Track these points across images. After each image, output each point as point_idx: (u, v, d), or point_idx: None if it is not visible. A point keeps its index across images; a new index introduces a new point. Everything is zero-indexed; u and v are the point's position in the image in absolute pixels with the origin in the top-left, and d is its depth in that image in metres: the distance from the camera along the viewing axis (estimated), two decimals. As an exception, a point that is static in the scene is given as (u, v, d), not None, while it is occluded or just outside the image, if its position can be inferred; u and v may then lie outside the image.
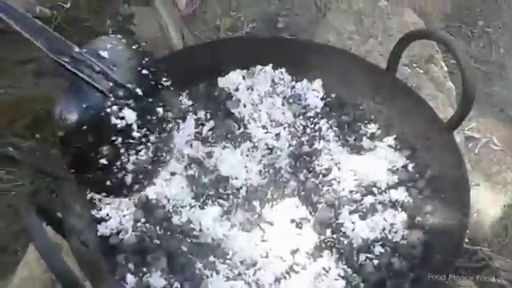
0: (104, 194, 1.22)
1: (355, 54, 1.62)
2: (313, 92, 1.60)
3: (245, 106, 1.56)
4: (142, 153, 1.17)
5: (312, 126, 1.55)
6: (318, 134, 1.53)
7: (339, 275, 1.27)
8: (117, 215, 1.33)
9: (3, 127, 2.15)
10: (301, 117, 1.57)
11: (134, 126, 1.15)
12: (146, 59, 1.24)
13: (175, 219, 1.34)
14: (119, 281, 1.22)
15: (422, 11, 2.66)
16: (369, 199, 1.39)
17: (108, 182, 1.16)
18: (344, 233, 1.34)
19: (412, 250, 1.31)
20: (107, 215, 1.33)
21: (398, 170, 1.45)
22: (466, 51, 2.54)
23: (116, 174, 1.16)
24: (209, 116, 1.56)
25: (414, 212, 1.37)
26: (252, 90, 1.59)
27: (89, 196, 1.34)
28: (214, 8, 2.77)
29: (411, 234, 1.33)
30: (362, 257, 1.30)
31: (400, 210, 1.37)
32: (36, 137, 2.13)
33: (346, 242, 1.32)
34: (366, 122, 1.56)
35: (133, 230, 1.31)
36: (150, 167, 1.21)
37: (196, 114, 1.55)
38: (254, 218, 1.36)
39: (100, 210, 1.33)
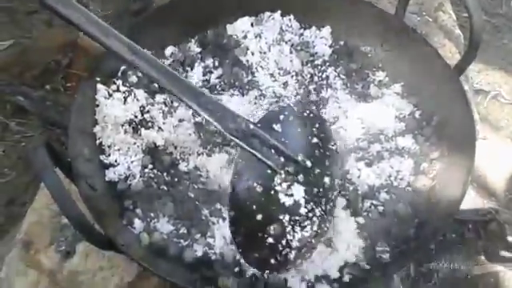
0: (267, 270, 1.17)
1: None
2: (321, 39, 1.58)
3: (253, 54, 1.54)
4: (307, 228, 1.16)
5: (320, 74, 1.54)
6: (325, 82, 1.53)
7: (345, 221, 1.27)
8: (125, 161, 1.33)
9: (13, 77, 2.16)
10: (308, 65, 1.56)
11: (302, 202, 1.17)
12: (317, 125, 1.28)
13: (182, 166, 1.35)
14: (127, 225, 1.24)
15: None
16: (375, 147, 1.39)
17: (272, 260, 1.15)
18: (350, 180, 1.34)
19: (417, 196, 1.31)
20: (115, 161, 1.33)
21: (405, 117, 1.45)
22: None
23: (281, 251, 1.15)
24: (217, 63, 1.55)
25: (421, 159, 1.37)
26: (260, 37, 1.57)
27: (98, 142, 1.35)
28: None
29: (417, 180, 1.33)
30: (368, 203, 1.30)
31: (406, 157, 1.37)
32: (46, 87, 2.14)
33: (351, 188, 1.33)
34: (373, 69, 1.55)
35: (140, 176, 1.32)
36: (313, 241, 1.18)
37: (204, 62, 1.55)
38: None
39: (108, 155, 1.34)
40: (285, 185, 1.17)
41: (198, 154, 1.37)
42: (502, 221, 1.85)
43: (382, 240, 1.24)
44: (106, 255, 1.35)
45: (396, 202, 1.30)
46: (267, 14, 1.59)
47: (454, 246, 1.82)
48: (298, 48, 1.58)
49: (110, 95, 1.40)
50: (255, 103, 1.48)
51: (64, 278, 1.35)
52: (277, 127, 1.24)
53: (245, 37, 1.57)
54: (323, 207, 1.19)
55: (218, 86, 1.51)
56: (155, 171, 1.33)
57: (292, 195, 1.16)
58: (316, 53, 1.58)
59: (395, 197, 1.31)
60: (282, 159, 1.19)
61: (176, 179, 1.33)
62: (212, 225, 1.26)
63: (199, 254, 1.21)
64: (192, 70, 1.53)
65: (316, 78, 1.54)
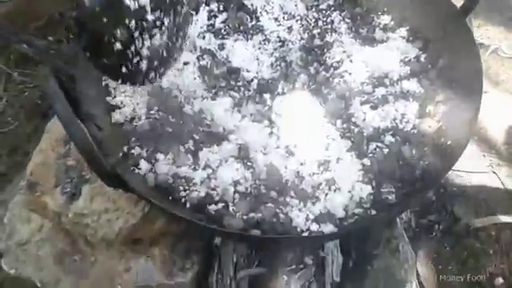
0: (120, 80, 1.22)
1: None
2: (326, -17, 1.58)
3: (257, -2, 1.54)
4: (156, 37, 1.17)
5: (324, 18, 1.55)
6: (330, 26, 1.53)
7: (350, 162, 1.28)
8: (131, 103, 1.34)
9: (18, 28, 2.14)
10: (313, 9, 1.56)
11: (148, 8, 1.14)
12: None
13: (187, 109, 1.35)
14: (133, 166, 1.24)
15: None
16: (380, 90, 1.39)
17: (124, 69, 1.17)
18: (354, 122, 1.34)
19: (422, 138, 1.32)
20: (121, 103, 1.34)
21: (410, 60, 1.45)
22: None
23: (131, 59, 1.17)
24: (221, 8, 1.55)
25: (426, 102, 1.37)
26: (265, -20, 1.56)
27: (104, 83, 1.35)
28: None
29: (422, 122, 1.33)
30: (373, 145, 1.31)
31: (411, 99, 1.37)
32: (49, 39, 2.12)
33: (356, 130, 1.33)
34: (379, 13, 1.55)
35: (146, 118, 1.32)
36: (165, 54, 1.22)
37: (209, 6, 1.55)
38: (264, 110, 1.36)
39: (114, 97, 1.35)
40: None
41: (203, 98, 1.37)
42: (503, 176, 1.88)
43: (387, 182, 1.25)
44: (111, 198, 1.35)
45: (401, 144, 1.30)
46: (273, -42, 1.58)
47: (455, 199, 1.84)
48: (303, -8, 1.57)
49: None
50: (259, 48, 1.48)
51: (69, 220, 1.36)
52: None
53: (250, -19, 1.56)
54: (171, 18, 1.20)
55: (222, 30, 1.51)
56: (160, 113, 1.33)
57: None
58: (321, -4, 1.57)
59: (400, 139, 1.31)
60: None
61: (181, 122, 1.33)
62: (216, 167, 1.26)
63: (202, 194, 1.21)
64: (197, 14, 1.52)
65: (320, 23, 1.54)
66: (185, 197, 1.21)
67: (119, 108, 1.33)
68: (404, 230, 1.61)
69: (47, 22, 2.21)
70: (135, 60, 1.17)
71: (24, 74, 2.13)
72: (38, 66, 2.09)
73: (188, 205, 1.20)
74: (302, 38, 1.50)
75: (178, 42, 1.25)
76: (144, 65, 1.19)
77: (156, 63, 1.23)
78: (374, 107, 1.36)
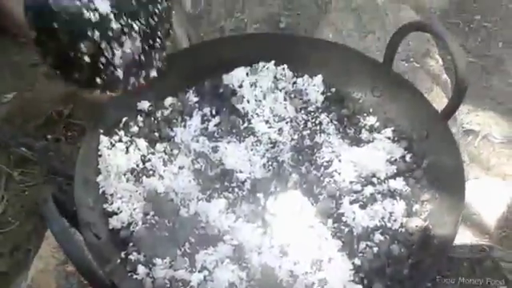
0: (99, 90, 1.19)
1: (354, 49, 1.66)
2: (313, 87, 1.65)
3: (248, 102, 1.60)
4: (127, 44, 1.15)
5: (313, 120, 1.60)
6: (318, 127, 1.58)
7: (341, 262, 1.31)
8: (127, 208, 1.38)
9: (17, 128, 2.21)
10: (302, 111, 1.62)
11: (111, 17, 1.11)
12: None
13: (183, 212, 1.39)
14: (130, 271, 1.27)
15: (420, 7, 2.70)
16: (368, 189, 1.43)
17: (99, 80, 1.16)
18: (345, 222, 1.38)
19: (410, 236, 1.35)
20: (118, 209, 1.38)
21: (396, 160, 1.50)
22: (461, 46, 2.57)
23: (104, 70, 1.15)
24: (214, 112, 1.61)
25: (412, 201, 1.42)
26: (255, 86, 1.63)
27: (101, 190, 1.40)
28: (219, 9, 2.82)
29: (409, 221, 1.37)
30: (363, 245, 1.34)
31: (399, 198, 1.41)
32: (47, 137, 2.19)
33: (346, 230, 1.37)
34: (364, 114, 1.61)
35: (143, 223, 1.36)
36: (142, 58, 1.19)
37: (202, 110, 1.61)
38: (258, 210, 1.40)
39: (111, 203, 1.39)
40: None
41: (198, 200, 1.41)
42: (497, 258, 1.89)
43: (378, 281, 1.28)
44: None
45: (390, 243, 1.34)
46: (261, 63, 1.67)
47: (450, 285, 1.85)
48: (292, 95, 1.65)
49: (113, 145, 1.47)
50: (252, 149, 1.53)
51: (70, 326, 1.38)
52: None
53: (240, 86, 1.63)
54: (143, 21, 1.16)
55: (216, 133, 1.57)
56: (157, 218, 1.37)
57: (96, 10, 1.09)
58: (309, 100, 1.64)
59: (389, 238, 1.35)
60: None
61: (177, 225, 1.37)
62: (212, 268, 1.29)
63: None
64: (191, 118, 1.59)
65: (310, 124, 1.60)
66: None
67: (116, 214, 1.37)
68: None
69: (46, 121, 2.29)
70: (109, 70, 1.15)
71: (24, 174, 2.19)
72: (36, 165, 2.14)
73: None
74: (292, 139, 1.55)
75: (156, 42, 1.22)
76: (120, 73, 1.17)
77: (134, 69, 1.20)
78: (363, 206, 1.40)
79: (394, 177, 1.46)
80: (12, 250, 1.98)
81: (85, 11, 1.08)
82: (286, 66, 1.67)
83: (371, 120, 1.59)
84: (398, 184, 1.44)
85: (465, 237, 1.99)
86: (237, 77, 1.64)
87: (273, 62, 1.66)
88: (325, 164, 1.50)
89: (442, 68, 2.05)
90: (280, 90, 1.64)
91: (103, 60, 1.13)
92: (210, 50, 1.68)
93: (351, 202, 1.41)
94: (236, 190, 1.45)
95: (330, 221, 1.38)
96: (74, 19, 1.08)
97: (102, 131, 1.47)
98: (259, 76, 1.65)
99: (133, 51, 1.16)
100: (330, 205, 1.40)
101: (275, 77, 1.66)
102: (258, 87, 1.63)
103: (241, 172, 1.47)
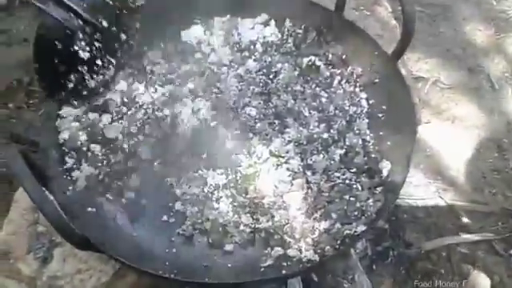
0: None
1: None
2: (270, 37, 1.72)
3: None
4: (102, 73, 1.41)
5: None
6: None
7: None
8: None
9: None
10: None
11: (98, 55, 1.37)
12: None
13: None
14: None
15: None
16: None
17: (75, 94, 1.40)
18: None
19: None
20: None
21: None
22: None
23: (83, 89, 1.41)
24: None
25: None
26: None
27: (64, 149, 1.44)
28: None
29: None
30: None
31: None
32: (9, 105, 2.18)
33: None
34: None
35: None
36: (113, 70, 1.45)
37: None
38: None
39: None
40: (83, 43, 1.32)
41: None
42: (449, 198, 1.98)
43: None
44: (82, 258, 1.41)
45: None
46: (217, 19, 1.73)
47: (407, 225, 1.93)
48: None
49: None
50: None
51: (44, 283, 1.40)
52: None
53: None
54: (119, 57, 1.44)
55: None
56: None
57: (90, 51, 1.34)
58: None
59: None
60: (81, 22, 1.32)
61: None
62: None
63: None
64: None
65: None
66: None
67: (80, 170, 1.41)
68: (361, 258, 1.70)
69: (6, 89, 2.27)
70: (86, 90, 1.40)
71: (-13, 145, 2.15)
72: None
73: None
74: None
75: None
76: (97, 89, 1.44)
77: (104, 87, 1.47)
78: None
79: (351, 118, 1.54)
80: (-21, 219, 1.97)
81: (80, 52, 1.33)
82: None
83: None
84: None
85: (419, 179, 2.08)
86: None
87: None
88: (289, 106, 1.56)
89: (391, 15, 2.11)
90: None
91: (83, 84, 1.40)
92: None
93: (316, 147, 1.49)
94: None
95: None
96: (72, 57, 1.33)
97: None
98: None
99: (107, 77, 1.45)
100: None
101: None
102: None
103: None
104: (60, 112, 1.48)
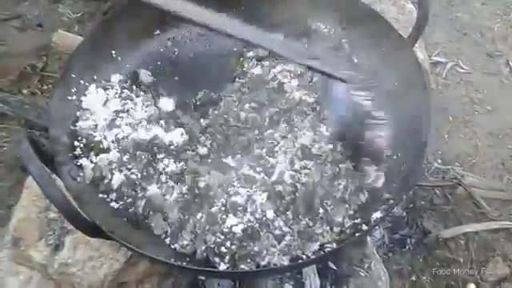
0: None
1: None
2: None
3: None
4: None
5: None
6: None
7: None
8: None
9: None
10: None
11: None
12: None
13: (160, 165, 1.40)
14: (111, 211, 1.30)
15: None
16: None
17: None
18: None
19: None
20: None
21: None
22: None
23: None
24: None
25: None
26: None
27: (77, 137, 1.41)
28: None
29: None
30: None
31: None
32: (23, 92, 2.17)
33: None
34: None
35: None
36: None
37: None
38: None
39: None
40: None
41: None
42: (468, 185, 1.95)
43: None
44: (94, 245, 1.40)
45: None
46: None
47: (424, 212, 1.91)
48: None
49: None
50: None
51: (55, 270, 1.40)
52: None
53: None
54: None
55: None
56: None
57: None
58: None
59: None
60: None
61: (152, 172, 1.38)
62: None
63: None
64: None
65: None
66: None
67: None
68: (378, 246, 1.68)
69: (20, 75, 2.27)
70: None
71: (1, 129, 2.17)
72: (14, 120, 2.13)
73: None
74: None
75: None
76: None
77: None
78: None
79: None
80: (-7, 206, 1.97)
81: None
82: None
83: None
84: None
85: (436, 165, 2.05)
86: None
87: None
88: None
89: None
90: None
91: None
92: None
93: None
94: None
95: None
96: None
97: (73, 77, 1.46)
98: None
99: None
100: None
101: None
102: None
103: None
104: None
